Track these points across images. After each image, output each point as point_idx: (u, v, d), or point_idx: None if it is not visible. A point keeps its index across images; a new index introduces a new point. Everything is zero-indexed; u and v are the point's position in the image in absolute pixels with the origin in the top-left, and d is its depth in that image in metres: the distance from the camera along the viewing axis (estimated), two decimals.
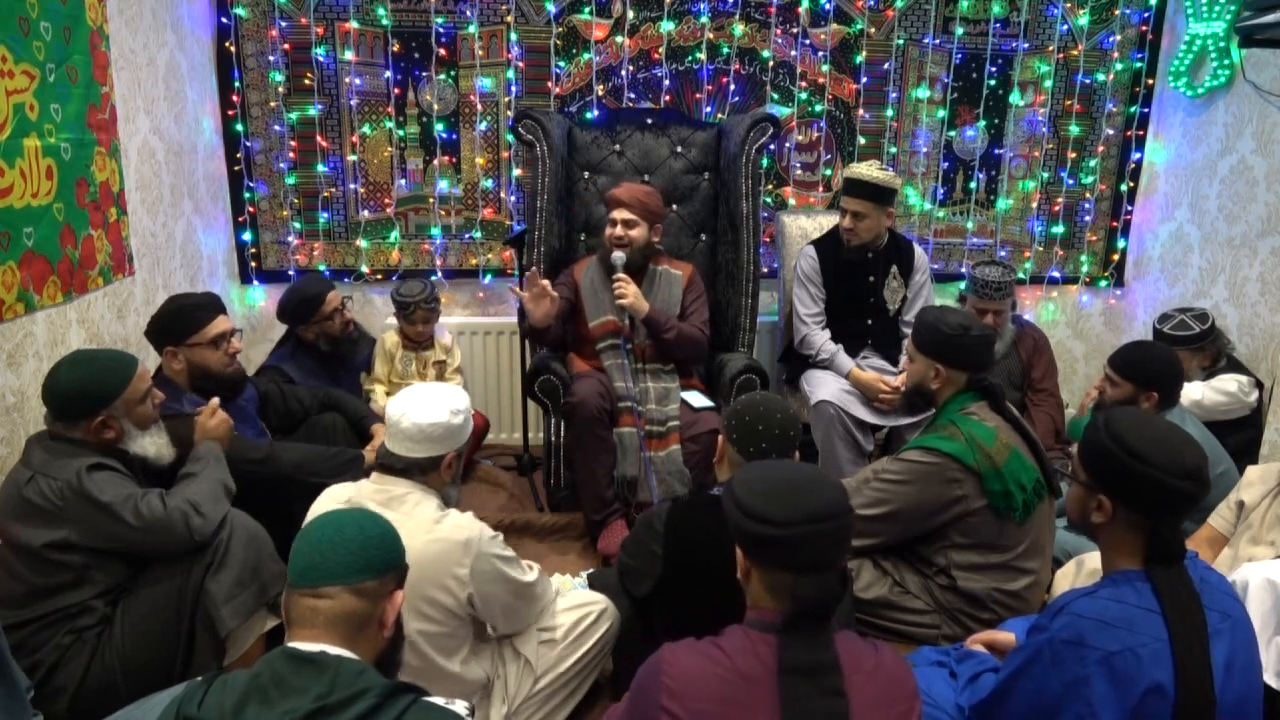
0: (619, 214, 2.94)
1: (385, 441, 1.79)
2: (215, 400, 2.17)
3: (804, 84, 3.66)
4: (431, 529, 1.70)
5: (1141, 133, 3.83)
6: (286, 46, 3.40)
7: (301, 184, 3.55)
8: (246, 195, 3.51)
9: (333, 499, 1.77)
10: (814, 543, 1.22)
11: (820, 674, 1.21)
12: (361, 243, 3.63)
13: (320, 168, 3.53)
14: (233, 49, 3.36)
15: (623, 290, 2.86)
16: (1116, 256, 3.97)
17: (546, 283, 2.75)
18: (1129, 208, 3.93)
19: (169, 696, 1.19)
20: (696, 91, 3.63)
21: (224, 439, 2.13)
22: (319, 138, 3.50)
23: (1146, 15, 3.70)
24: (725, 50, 3.60)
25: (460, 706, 1.25)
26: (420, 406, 1.74)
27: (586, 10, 3.50)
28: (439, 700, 1.17)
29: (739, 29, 3.57)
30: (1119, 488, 1.41)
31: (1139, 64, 3.75)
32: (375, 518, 1.28)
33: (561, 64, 3.55)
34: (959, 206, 3.88)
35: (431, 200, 3.63)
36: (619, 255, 2.90)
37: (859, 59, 3.65)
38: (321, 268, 3.60)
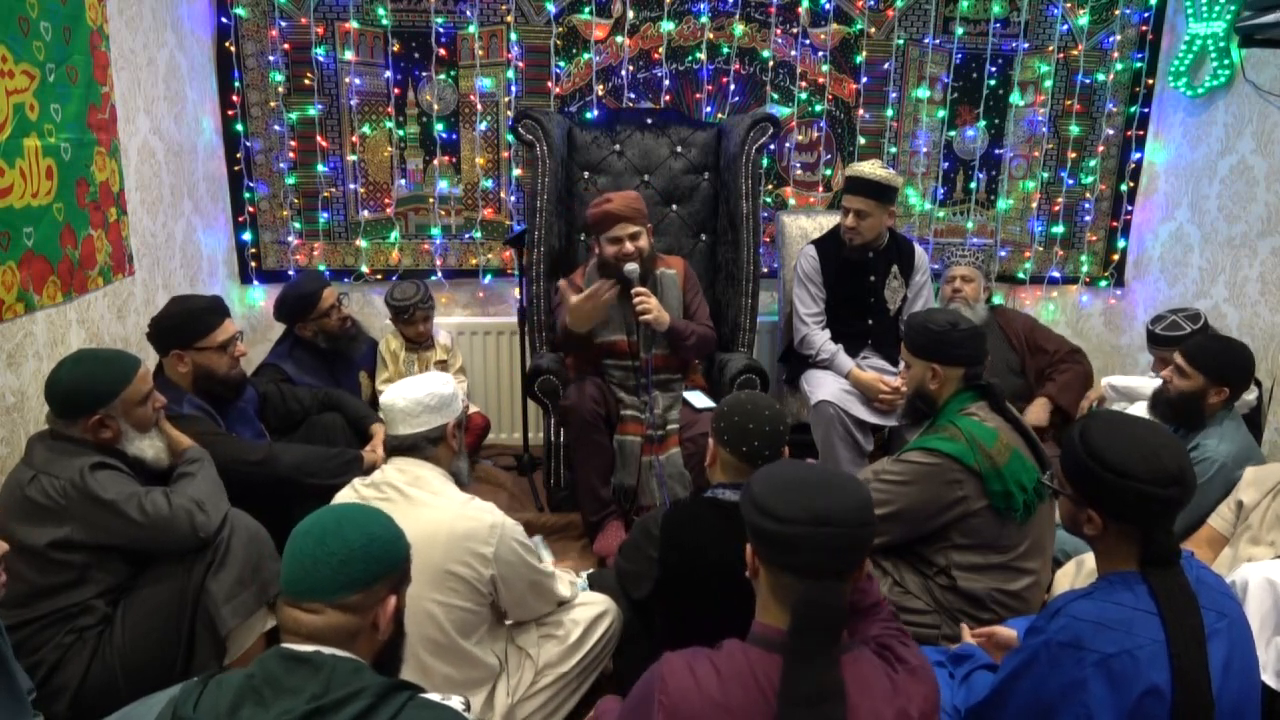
0: (622, 229, 2.75)
1: (388, 432, 1.88)
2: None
3: (804, 84, 3.66)
4: (462, 507, 1.81)
5: (1141, 133, 3.83)
6: (286, 46, 3.40)
7: (301, 184, 3.55)
8: (246, 195, 3.51)
9: (352, 486, 1.86)
10: (816, 545, 1.20)
11: (822, 703, 1.17)
12: (361, 243, 3.63)
13: (320, 168, 3.53)
14: (233, 49, 3.36)
15: (645, 305, 2.72)
16: (1116, 256, 3.96)
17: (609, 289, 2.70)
18: (1129, 208, 3.92)
19: (168, 696, 1.19)
20: (696, 91, 3.63)
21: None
22: (319, 138, 3.50)
23: (1146, 15, 3.70)
24: (725, 50, 3.60)
25: (456, 702, 1.24)
26: (410, 387, 1.89)
27: (586, 10, 3.50)
28: (435, 697, 1.17)
29: (739, 29, 3.57)
30: (1105, 503, 1.40)
31: (1139, 64, 3.75)
32: (365, 521, 1.21)
33: (561, 64, 3.55)
34: (959, 206, 3.88)
35: (431, 200, 3.63)
36: (632, 268, 2.73)
37: (859, 59, 3.65)
38: (321, 268, 3.60)
